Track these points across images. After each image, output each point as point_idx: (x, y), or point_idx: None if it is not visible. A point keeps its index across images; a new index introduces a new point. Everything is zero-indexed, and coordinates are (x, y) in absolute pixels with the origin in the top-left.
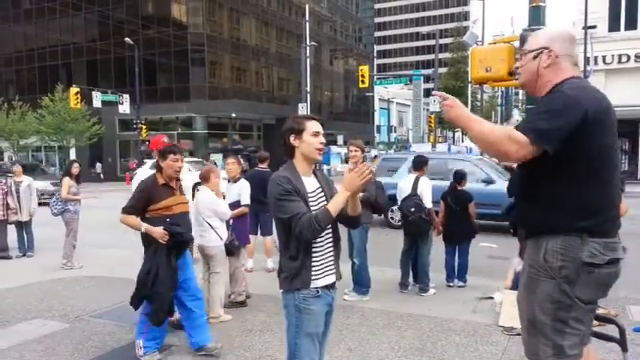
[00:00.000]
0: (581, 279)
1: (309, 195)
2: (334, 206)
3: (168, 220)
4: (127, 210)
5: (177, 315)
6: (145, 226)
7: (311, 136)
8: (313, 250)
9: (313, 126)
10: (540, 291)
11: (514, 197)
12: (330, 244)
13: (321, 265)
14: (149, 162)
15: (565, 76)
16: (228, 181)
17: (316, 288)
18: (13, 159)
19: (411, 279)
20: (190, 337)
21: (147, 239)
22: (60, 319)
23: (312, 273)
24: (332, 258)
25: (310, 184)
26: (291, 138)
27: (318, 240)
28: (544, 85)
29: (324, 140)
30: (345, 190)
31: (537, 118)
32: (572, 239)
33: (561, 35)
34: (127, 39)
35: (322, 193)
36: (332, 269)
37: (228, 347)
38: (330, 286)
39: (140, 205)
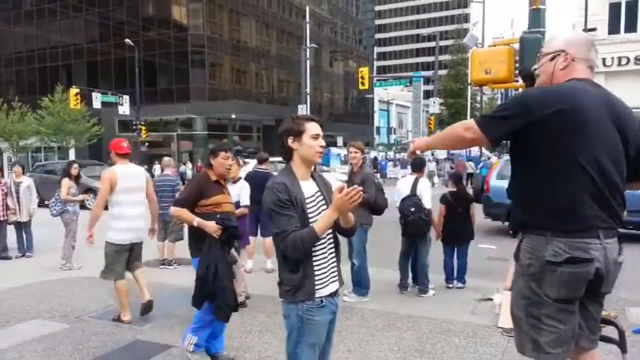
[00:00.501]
0: (546, 277)
1: (308, 200)
2: (321, 226)
3: (218, 216)
4: (180, 203)
5: None
6: (197, 220)
7: (311, 139)
8: (314, 258)
9: (313, 128)
10: (515, 288)
11: None
12: (332, 250)
13: (323, 273)
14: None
15: (570, 77)
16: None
17: (320, 298)
18: (12, 159)
19: (410, 280)
20: (207, 341)
21: (197, 235)
22: (59, 320)
23: (316, 283)
24: (334, 264)
25: (309, 188)
26: (290, 140)
27: (319, 247)
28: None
29: (324, 143)
30: (333, 212)
31: (493, 110)
32: (538, 238)
33: (578, 39)
34: (127, 40)
35: (322, 197)
36: (335, 276)
37: (227, 348)
38: (334, 294)
39: (192, 199)
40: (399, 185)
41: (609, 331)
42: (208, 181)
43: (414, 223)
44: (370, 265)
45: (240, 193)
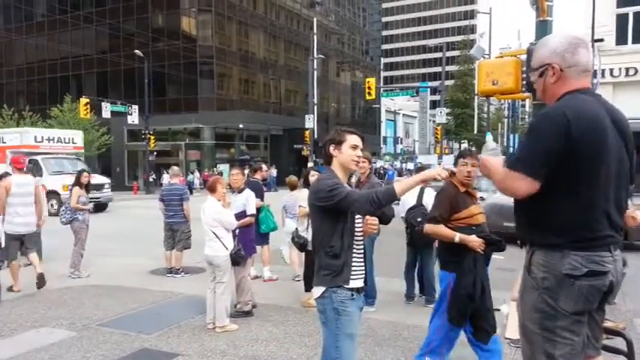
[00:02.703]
0: (562, 290)
1: None
2: (402, 187)
3: (474, 228)
4: (436, 219)
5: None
6: (459, 236)
7: (350, 149)
8: (353, 251)
9: (353, 139)
10: (527, 300)
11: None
12: (362, 251)
13: (357, 266)
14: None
15: (567, 89)
16: (233, 191)
17: (351, 291)
18: None
19: (417, 290)
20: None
21: (454, 249)
22: (67, 328)
23: (352, 272)
24: (363, 263)
25: None
26: (331, 148)
27: (356, 243)
28: (552, 98)
29: (360, 154)
30: (420, 177)
31: (523, 151)
32: (554, 253)
33: (561, 47)
34: (136, 51)
35: None
36: (362, 274)
37: (234, 357)
38: (360, 290)
39: (447, 214)
40: (405, 195)
41: (618, 342)
42: (457, 192)
43: (420, 233)
44: (377, 275)
45: (245, 202)
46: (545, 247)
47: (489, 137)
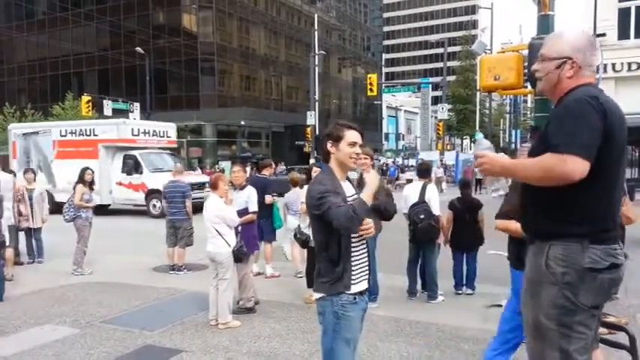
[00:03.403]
0: (584, 284)
1: (348, 199)
2: (367, 193)
3: None
4: (504, 215)
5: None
6: None
7: (347, 146)
8: (352, 256)
9: (351, 135)
10: (543, 296)
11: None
12: (365, 251)
13: (358, 269)
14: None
15: (577, 84)
16: (234, 188)
17: (354, 294)
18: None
19: (419, 286)
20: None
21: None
22: (71, 325)
23: (352, 277)
24: (366, 265)
25: (347, 189)
26: (329, 144)
27: (355, 246)
28: (561, 92)
29: (359, 151)
30: (373, 187)
31: (574, 133)
32: (573, 246)
33: (584, 45)
34: (138, 48)
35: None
36: (366, 275)
37: (237, 353)
38: (364, 292)
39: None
40: (407, 191)
41: (620, 337)
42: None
43: (423, 229)
44: (379, 271)
45: (247, 199)
46: (563, 239)
47: (480, 135)
